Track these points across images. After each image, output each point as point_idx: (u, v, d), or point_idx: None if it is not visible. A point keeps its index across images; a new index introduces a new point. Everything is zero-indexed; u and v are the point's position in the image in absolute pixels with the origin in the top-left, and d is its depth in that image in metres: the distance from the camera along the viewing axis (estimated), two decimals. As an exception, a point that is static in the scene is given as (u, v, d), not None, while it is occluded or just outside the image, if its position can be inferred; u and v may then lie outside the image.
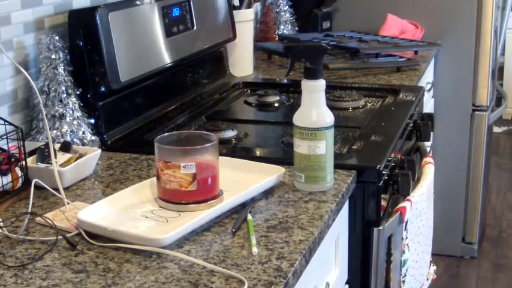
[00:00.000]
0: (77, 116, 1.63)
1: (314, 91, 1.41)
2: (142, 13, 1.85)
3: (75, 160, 1.48)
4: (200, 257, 1.16)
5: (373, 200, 1.57)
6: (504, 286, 3.08)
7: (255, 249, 1.17)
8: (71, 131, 1.61)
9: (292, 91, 2.21)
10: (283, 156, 1.61)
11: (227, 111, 2.12)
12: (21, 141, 1.40)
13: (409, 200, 1.68)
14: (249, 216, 1.29)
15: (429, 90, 2.81)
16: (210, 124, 1.90)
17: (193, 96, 2.11)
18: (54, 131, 1.60)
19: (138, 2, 1.84)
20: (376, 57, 2.52)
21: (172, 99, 2.02)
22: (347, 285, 1.63)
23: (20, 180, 1.39)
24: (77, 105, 1.63)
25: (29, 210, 1.32)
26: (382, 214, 1.62)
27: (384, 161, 1.60)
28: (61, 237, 1.22)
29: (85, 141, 1.63)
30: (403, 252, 1.68)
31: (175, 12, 1.98)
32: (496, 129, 4.83)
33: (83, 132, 1.63)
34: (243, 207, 1.34)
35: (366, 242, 1.59)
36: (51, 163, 1.41)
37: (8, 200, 1.37)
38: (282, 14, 2.89)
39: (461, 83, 2.97)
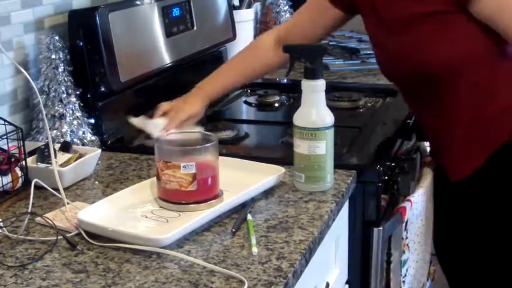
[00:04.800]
0: (77, 116, 1.63)
1: (314, 91, 1.41)
2: (143, 13, 1.85)
3: (75, 160, 1.48)
4: (200, 257, 1.16)
5: (373, 200, 1.57)
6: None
7: (255, 249, 1.17)
8: (71, 131, 1.61)
9: (292, 91, 2.21)
10: (283, 156, 1.61)
11: (227, 111, 2.12)
12: (21, 141, 1.40)
13: (409, 200, 1.68)
14: (249, 216, 1.29)
15: (429, 90, 2.80)
16: (210, 124, 1.90)
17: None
18: (54, 131, 1.60)
19: (138, 2, 1.84)
20: (376, 57, 2.52)
21: (172, 99, 2.01)
22: (347, 285, 1.62)
23: (20, 180, 1.39)
24: (77, 105, 1.63)
25: (29, 210, 1.31)
26: (382, 214, 1.62)
27: (384, 161, 1.60)
28: (61, 237, 1.22)
29: (85, 141, 1.63)
30: (403, 252, 1.68)
31: (175, 12, 1.98)
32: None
33: (83, 132, 1.63)
34: (243, 207, 1.33)
35: (366, 242, 1.59)
36: (51, 163, 1.41)
37: (8, 200, 1.37)
38: (282, 14, 2.88)
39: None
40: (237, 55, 1.80)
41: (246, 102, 2.19)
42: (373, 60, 2.48)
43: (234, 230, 1.25)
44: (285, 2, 2.89)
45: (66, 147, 1.52)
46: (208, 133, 1.38)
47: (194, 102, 1.66)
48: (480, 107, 1.57)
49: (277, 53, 1.65)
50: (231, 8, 2.32)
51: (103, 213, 1.28)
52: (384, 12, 1.58)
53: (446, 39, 1.52)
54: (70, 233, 1.25)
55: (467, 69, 1.54)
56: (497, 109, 1.57)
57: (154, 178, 1.37)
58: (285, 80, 2.36)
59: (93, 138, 1.65)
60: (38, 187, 1.38)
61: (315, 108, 1.41)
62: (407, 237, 1.68)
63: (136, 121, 1.62)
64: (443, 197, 1.76)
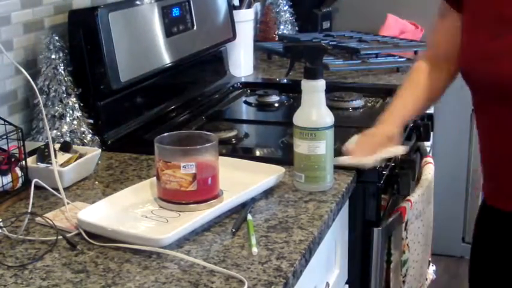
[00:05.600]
0: (77, 116, 1.63)
1: (314, 91, 1.41)
2: (143, 13, 1.85)
3: (75, 160, 1.48)
4: (200, 257, 1.16)
5: (373, 200, 1.57)
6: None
7: (255, 249, 1.17)
8: (71, 131, 1.61)
9: (292, 91, 2.21)
10: (283, 156, 1.61)
11: (227, 111, 2.12)
12: (21, 141, 1.40)
13: (409, 200, 1.68)
14: (249, 216, 1.29)
15: (429, 90, 2.80)
16: (210, 124, 1.90)
17: (193, 96, 2.11)
18: (54, 131, 1.60)
19: (138, 2, 1.84)
20: (376, 57, 2.52)
21: (172, 99, 2.02)
22: (347, 285, 1.63)
23: (20, 180, 1.39)
24: (77, 105, 1.63)
25: (29, 210, 1.32)
26: (382, 214, 1.62)
27: (384, 161, 1.60)
28: (61, 237, 1.22)
29: (85, 141, 1.63)
30: (403, 252, 1.68)
31: (175, 12, 1.98)
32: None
33: (83, 132, 1.63)
34: (243, 207, 1.34)
35: (366, 242, 1.59)
36: (51, 163, 1.41)
37: (8, 200, 1.37)
38: (282, 14, 2.88)
39: (461, 83, 2.96)
40: (407, 83, 1.66)
41: (246, 102, 2.19)
42: (373, 60, 2.50)
43: (234, 230, 1.25)
44: (284, 2, 2.90)
45: (66, 147, 1.52)
46: (208, 133, 1.38)
47: (387, 124, 1.58)
48: None
49: (437, 75, 1.60)
50: (231, 8, 2.32)
51: (103, 213, 1.28)
52: (478, 11, 1.45)
53: None
54: (70, 233, 1.25)
55: None
56: None
57: (154, 178, 1.37)
58: (285, 80, 2.36)
59: (93, 138, 1.65)
60: (38, 187, 1.38)
61: (315, 108, 1.42)
62: (407, 237, 1.68)
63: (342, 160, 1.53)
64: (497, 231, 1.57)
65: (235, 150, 1.72)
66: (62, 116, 1.61)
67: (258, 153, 1.69)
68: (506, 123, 1.43)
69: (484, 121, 1.53)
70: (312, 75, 1.41)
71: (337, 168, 1.50)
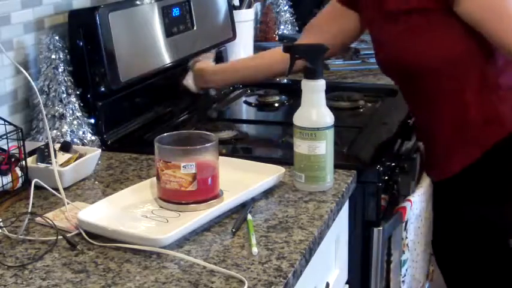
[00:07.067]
0: (77, 116, 1.63)
1: (314, 91, 1.41)
2: (142, 13, 1.85)
3: (75, 160, 1.48)
4: (200, 257, 1.16)
5: (373, 200, 1.57)
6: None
7: (255, 249, 1.17)
8: (71, 131, 1.61)
9: (292, 91, 2.21)
10: (283, 156, 1.61)
11: (227, 111, 2.12)
12: (21, 141, 1.40)
13: (409, 200, 1.68)
14: (249, 216, 1.29)
15: (429, 90, 2.80)
16: (210, 124, 1.90)
17: (193, 96, 2.11)
18: (54, 131, 1.60)
19: (138, 2, 1.84)
20: (376, 57, 2.52)
21: (173, 99, 2.02)
22: (347, 285, 1.62)
23: (20, 180, 1.39)
24: (77, 105, 1.63)
25: (29, 210, 1.32)
26: (382, 214, 1.62)
27: (384, 161, 1.60)
28: (61, 237, 1.22)
29: (85, 141, 1.63)
30: (403, 252, 1.68)
31: (175, 12, 1.98)
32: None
33: (83, 132, 1.63)
34: (243, 207, 1.33)
35: (366, 242, 1.59)
36: (51, 163, 1.41)
37: (8, 200, 1.37)
38: (282, 14, 2.89)
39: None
40: (250, 56, 1.94)
41: (246, 102, 2.19)
42: (373, 60, 2.49)
43: (234, 230, 1.25)
44: (284, 2, 2.90)
45: (66, 147, 1.52)
46: (208, 133, 1.38)
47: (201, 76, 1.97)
48: (462, 112, 1.59)
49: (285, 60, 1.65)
50: (231, 8, 2.32)
51: (103, 213, 1.28)
52: (376, 6, 1.61)
53: (427, 37, 1.54)
54: (70, 233, 1.25)
55: (449, 70, 1.55)
56: (481, 118, 1.58)
57: (154, 178, 1.37)
58: (285, 80, 2.35)
59: (93, 138, 1.65)
60: (38, 187, 1.38)
61: (315, 108, 1.41)
62: (407, 237, 1.68)
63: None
64: (437, 197, 1.79)
65: (235, 150, 1.72)
66: (62, 116, 1.61)
67: (258, 153, 1.69)
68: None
69: None
70: (312, 75, 1.41)
71: (338, 168, 1.50)
